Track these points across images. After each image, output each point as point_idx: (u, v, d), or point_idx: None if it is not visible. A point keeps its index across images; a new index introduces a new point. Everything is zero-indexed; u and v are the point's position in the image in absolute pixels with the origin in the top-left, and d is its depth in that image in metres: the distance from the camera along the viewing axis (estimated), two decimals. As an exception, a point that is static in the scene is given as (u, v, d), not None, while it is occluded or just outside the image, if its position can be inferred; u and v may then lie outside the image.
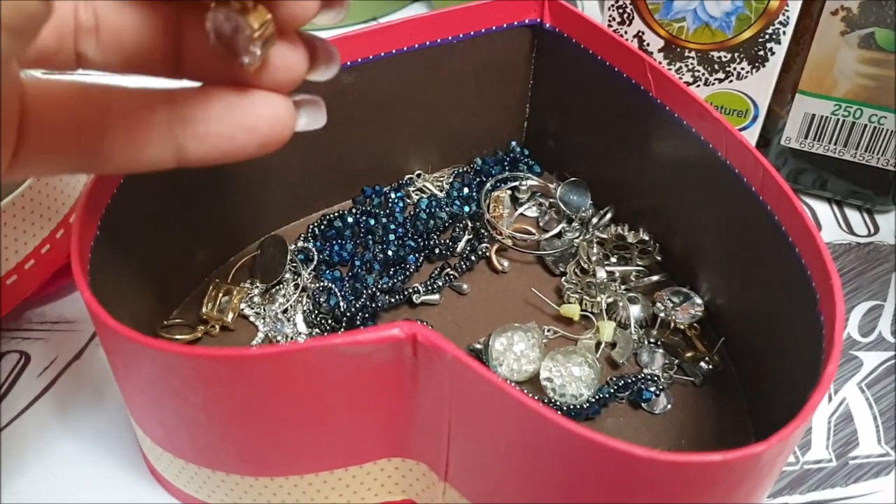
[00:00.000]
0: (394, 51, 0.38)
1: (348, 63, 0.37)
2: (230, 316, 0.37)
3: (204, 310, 0.37)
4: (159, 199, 0.34)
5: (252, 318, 0.37)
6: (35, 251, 0.37)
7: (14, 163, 0.23)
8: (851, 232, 0.43)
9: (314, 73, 0.25)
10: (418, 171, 0.44)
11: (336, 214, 0.41)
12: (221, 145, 0.24)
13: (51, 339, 0.37)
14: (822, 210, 0.44)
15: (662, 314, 0.36)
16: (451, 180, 0.44)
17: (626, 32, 0.41)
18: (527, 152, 0.45)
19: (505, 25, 0.39)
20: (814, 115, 0.41)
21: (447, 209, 0.41)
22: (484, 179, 0.43)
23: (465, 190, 0.42)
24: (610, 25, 0.41)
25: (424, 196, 0.43)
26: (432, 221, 0.41)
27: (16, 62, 0.22)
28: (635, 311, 0.37)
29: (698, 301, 0.37)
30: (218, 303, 0.37)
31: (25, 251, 0.36)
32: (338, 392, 0.26)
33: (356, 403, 0.27)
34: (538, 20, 0.40)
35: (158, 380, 0.26)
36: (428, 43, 0.38)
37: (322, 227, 0.41)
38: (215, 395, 0.26)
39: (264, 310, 0.38)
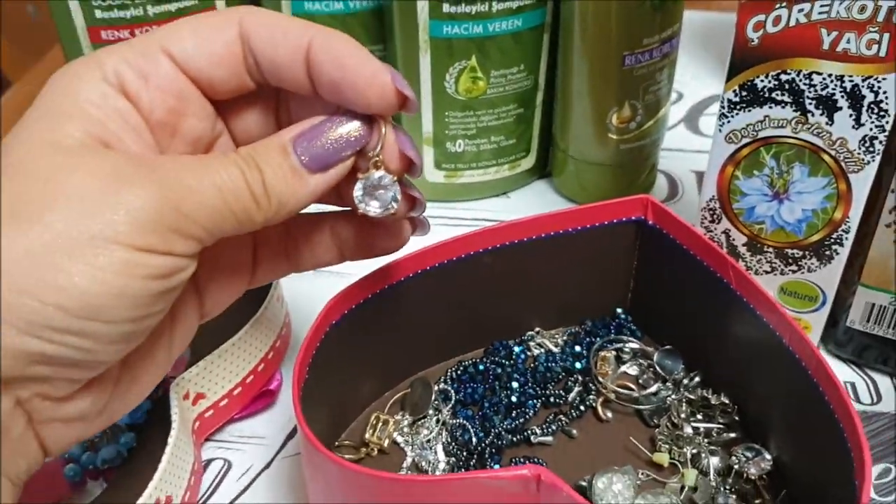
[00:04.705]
0: (525, 238, 0.48)
1: (489, 247, 0.47)
2: (386, 442, 0.46)
3: (367, 435, 0.47)
4: (346, 343, 0.43)
5: (402, 445, 0.47)
6: (242, 381, 0.47)
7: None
8: (910, 404, 0.50)
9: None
10: (538, 329, 0.53)
11: (470, 362, 0.51)
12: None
13: (247, 451, 0.48)
14: (884, 383, 0.51)
15: (737, 466, 0.44)
16: (565, 338, 0.53)
17: (716, 228, 0.50)
18: (630, 318, 0.54)
19: (615, 221, 0.49)
20: (874, 304, 0.49)
21: (561, 364, 0.51)
22: (593, 340, 0.52)
23: (577, 348, 0.52)
24: (702, 223, 0.50)
25: (543, 351, 0.52)
26: (549, 374, 0.50)
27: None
28: (715, 461, 0.45)
29: (768, 457, 0.44)
30: (377, 430, 0.47)
31: (235, 380, 0.47)
32: (479, 513, 0.35)
33: (492, 523, 0.36)
34: (643, 217, 0.49)
35: (347, 494, 0.36)
36: (552, 233, 0.48)
37: (458, 371, 0.51)
38: (389, 508, 0.35)
39: (412, 438, 0.47)
